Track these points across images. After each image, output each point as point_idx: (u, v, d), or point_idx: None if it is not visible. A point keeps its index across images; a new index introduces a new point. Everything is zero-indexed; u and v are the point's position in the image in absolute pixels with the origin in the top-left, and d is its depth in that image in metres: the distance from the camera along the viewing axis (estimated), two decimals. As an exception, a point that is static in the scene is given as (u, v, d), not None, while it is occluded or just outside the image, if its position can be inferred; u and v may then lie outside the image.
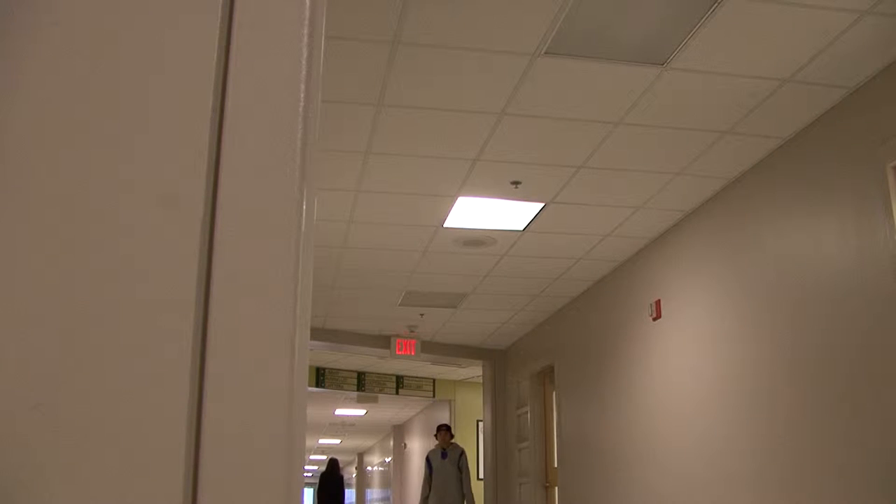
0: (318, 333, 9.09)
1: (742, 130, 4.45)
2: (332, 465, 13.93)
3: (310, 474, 31.03)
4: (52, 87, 0.60)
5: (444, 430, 9.25)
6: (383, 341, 9.70)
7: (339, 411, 16.03)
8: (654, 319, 6.09)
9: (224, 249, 0.61)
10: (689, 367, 5.58)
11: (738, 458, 4.90)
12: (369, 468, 24.54)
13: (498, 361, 10.32)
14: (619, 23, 3.53)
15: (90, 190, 0.59)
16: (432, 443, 11.63)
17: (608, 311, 7.07)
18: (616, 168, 4.96)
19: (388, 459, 20.00)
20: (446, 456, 9.05)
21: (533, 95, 4.11)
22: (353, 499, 25.93)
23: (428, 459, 9.23)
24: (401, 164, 4.93)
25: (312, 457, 25.74)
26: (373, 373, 12.64)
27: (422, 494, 9.25)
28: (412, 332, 9.48)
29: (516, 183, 5.17)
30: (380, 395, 13.05)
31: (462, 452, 9.09)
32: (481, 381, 10.81)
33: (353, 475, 26.82)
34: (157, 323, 0.58)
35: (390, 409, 15.84)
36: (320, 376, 12.27)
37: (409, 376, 13.09)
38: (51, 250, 0.57)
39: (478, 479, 12.47)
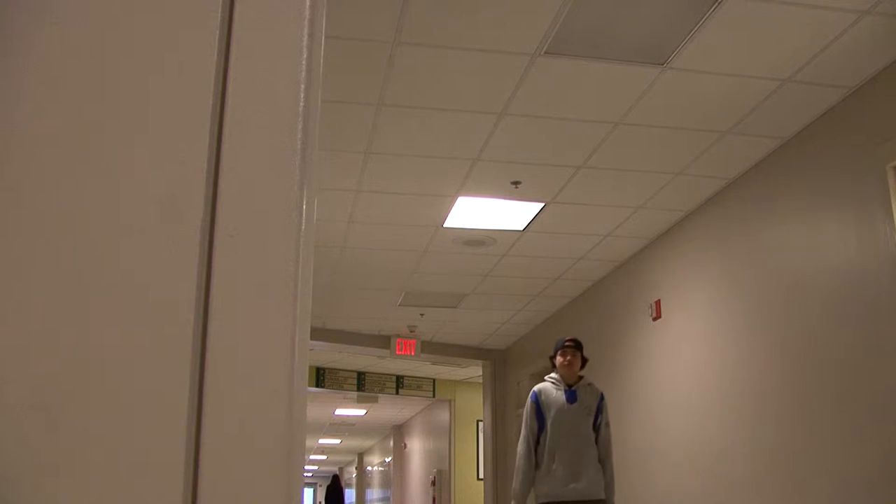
0: (318, 333, 9.08)
1: (742, 130, 4.45)
2: (335, 479, 19.08)
3: (310, 474, 31.04)
4: (52, 87, 0.60)
5: (571, 349, 4.95)
6: (383, 341, 9.70)
7: (339, 411, 16.03)
8: (654, 319, 6.09)
9: (224, 249, 0.61)
10: (688, 367, 5.58)
11: (737, 457, 4.90)
12: (369, 468, 24.53)
13: (498, 361, 10.32)
14: (619, 23, 3.53)
15: (90, 190, 0.59)
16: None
17: (608, 312, 7.07)
18: (616, 168, 4.96)
19: (388, 459, 20.00)
20: (575, 398, 4.86)
21: (533, 95, 4.11)
22: (353, 499, 25.92)
23: (536, 402, 4.91)
24: (401, 164, 4.93)
25: (312, 457, 25.73)
26: (373, 373, 12.65)
27: (523, 463, 4.84)
28: (412, 332, 9.48)
29: (516, 183, 5.17)
30: (380, 395, 13.05)
31: (603, 396, 5.02)
32: (481, 381, 10.81)
33: (353, 475, 26.82)
34: (157, 323, 0.58)
35: (390, 409, 15.84)
36: (320, 376, 12.27)
37: (409, 376, 13.09)
38: (51, 251, 0.57)
39: (478, 479, 12.49)
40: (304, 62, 0.67)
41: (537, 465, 4.84)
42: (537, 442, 4.88)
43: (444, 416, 13.89)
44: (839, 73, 3.86)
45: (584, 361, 5.04)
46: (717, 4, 3.37)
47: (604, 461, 4.84)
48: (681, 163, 4.87)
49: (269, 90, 0.65)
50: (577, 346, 5.00)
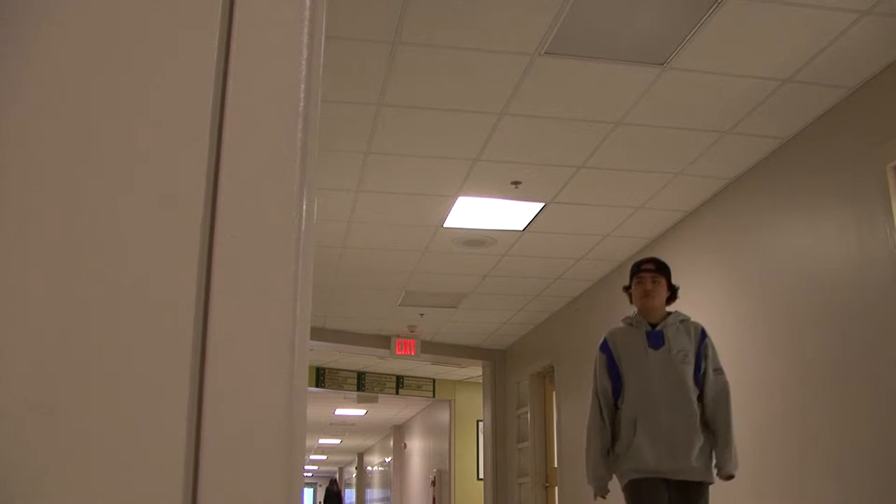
0: (318, 333, 9.08)
1: (742, 130, 4.45)
2: (333, 482, 21.58)
3: (310, 474, 31.03)
4: (52, 87, 0.60)
5: (651, 273, 3.65)
6: (383, 341, 9.70)
7: (339, 411, 16.03)
8: (654, 319, 6.09)
9: (224, 249, 0.61)
10: (689, 367, 5.58)
11: (738, 455, 4.89)
12: (369, 468, 24.53)
13: (498, 361, 10.32)
14: (619, 23, 3.53)
15: (90, 190, 0.59)
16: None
17: (608, 311, 7.06)
18: (616, 168, 4.96)
19: (388, 459, 19.99)
20: (662, 341, 3.57)
21: (533, 95, 4.11)
22: (353, 498, 25.92)
23: (608, 351, 3.65)
24: (401, 164, 4.93)
25: (312, 457, 25.73)
26: (373, 373, 12.65)
27: (594, 437, 3.58)
28: (412, 332, 9.48)
29: (516, 183, 5.17)
30: (380, 395, 13.05)
31: (704, 334, 3.67)
32: (481, 381, 10.81)
33: (353, 475, 26.82)
34: (157, 323, 0.58)
35: (390, 409, 15.83)
36: (320, 376, 12.27)
37: (409, 376, 13.09)
38: (51, 250, 0.57)
39: (478, 479, 12.49)
40: (304, 62, 0.67)
41: (614, 438, 3.53)
42: (616, 407, 3.54)
43: (444, 416, 13.88)
44: (839, 73, 3.86)
45: (674, 291, 3.66)
46: (717, 5, 3.37)
47: (716, 424, 3.52)
48: (681, 163, 4.87)
49: (269, 90, 0.65)
50: (659, 268, 3.64)
